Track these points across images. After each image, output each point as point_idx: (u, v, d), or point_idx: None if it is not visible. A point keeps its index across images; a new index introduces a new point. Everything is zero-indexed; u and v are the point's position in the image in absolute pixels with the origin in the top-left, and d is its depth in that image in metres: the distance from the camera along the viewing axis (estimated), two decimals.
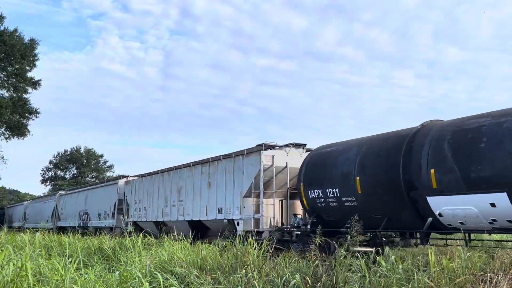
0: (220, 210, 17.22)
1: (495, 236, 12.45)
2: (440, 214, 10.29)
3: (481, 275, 7.49)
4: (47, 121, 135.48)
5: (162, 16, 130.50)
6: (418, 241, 11.60)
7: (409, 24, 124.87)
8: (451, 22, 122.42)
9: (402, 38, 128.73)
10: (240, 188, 16.19)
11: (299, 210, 16.23)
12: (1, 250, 8.13)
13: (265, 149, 15.69)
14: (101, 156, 75.06)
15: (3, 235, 16.38)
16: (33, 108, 32.72)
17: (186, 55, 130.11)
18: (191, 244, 11.95)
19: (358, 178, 11.93)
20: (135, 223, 24.01)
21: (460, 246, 9.36)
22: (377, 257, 8.27)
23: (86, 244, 13.75)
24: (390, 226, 11.67)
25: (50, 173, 74.18)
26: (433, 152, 10.32)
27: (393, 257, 7.86)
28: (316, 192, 13.16)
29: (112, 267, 9.68)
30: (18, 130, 32.57)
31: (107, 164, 75.24)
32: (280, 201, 15.83)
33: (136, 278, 7.04)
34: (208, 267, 8.79)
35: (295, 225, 13.99)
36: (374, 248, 11.59)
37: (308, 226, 13.21)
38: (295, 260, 9.20)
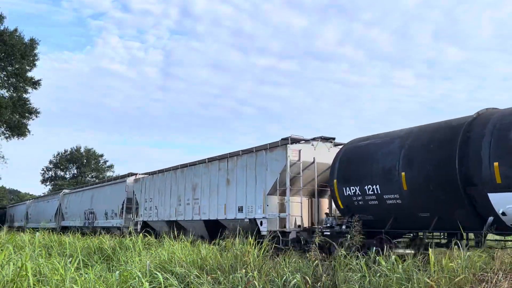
0: (240, 209, 16.09)
1: None
2: (503, 213, 9.17)
3: (481, 274, 7.23)
4: (47, 121, 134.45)
5: (162, 16, 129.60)
6: (472, 243, 10.46)
7: (409, 24, 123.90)
8: (451, 22, 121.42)
9: (402, 38, 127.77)
10: (263, 185, 15.06)
11: (326, 209, 15.15)
12: (1, 250, 8.12)
13: (291, 143, 14.56)
14: (101, 156, 74.59)
15: (3, 235, 16.20)
16: (33, 108, 32.36)
17: (186, 55, 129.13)
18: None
19: (403, 173, 10.81)
20: (145, 223, 22.91)
21: None
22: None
23: (86, 244, 13.78)
24: (440, 226, 10.54)
25: (50, 173, 73.70)
26: (496, 143, 9.20)
27: (393, 257, 7.63)
28: (353, 190, 12.03)
29: (112, 267, 9.74)
30: (18, 130, 32.27)
31: (107, 164, 74.89)
32: (309, 199, 14.68)
33: (136, 277, 7.06)
34: (208, 267, 8.79)
35: (328, 225, 12.86)
36: (413, 250, 10.68)
37: (344, 227, 12.11)
38: (295, 260, 9.14)
